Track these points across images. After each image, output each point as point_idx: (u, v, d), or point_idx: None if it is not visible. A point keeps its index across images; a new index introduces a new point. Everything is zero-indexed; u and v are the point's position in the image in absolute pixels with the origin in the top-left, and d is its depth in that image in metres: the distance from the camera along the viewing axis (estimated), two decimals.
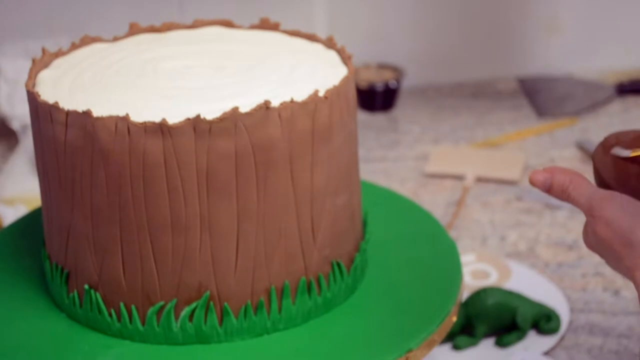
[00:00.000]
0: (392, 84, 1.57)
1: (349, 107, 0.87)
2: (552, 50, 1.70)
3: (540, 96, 1.63)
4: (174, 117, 0.79)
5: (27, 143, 1.42)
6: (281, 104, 0.80)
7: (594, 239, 0.76)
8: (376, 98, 1.57)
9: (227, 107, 0.80)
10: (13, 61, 1.48)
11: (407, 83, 1.62)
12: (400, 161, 1.46)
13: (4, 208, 1.31)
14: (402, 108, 1.61)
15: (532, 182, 0.80)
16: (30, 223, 1.00)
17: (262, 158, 0.80)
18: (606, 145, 0.83)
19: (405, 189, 1.37)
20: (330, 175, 0.85)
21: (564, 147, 1.49)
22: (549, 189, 0.79)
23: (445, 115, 1.59)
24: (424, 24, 1.66)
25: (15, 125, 1.46)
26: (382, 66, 1.61)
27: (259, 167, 0.81)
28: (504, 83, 1.68)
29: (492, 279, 1.17)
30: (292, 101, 0.81)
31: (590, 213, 0.76)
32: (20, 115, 1.46)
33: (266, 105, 0.80)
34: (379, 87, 1.56)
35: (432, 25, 1.67)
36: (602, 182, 0.81)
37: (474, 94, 1.66)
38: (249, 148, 0.80)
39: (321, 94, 0.83)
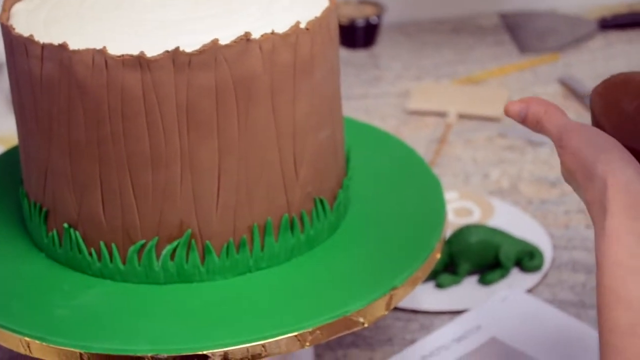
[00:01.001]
0: (373, 19, 1.54)
1: (331, 39, 0.85)
2: None
3: (522, 31, 1.61)
4: (152, 50, 0.76)
5: (2, 82, 1.40)
6: (262, 36, 0.78)
7: (563, 170, 0.75)
8: (357, 34, 1.55)
9: (206, 39, 0.77)
10: None
11: (387, 19, 1.60)
12: (382, 98, 1.45)
13: None
14: (382, 44, 1.59)
15: (507, 113, 0.79)
16: (7, 162, 0.98)
17: (243, 92, 0.79)
18: (607, 84, 0.81)
19: (386, 125, 1.36)
20: (313, 109, 0.83)
21: (546, 83, 1.47)
22: (523, 120, 0.78)
23: (427, 51, 1.57)
24: None
25: None
26: (363, 2, 1.59)
27: (240, 101, 0.79)
28: (485, 18, 1.67)
29: (474, 217, 1.16)
30: (273, 33, 0.79)
31: (559, 144, 0.75)
32: None
33: (247, 37, 0.77)
34: (360, 22, 1.54)
35: None
36: (595, 122, 0.79)
37: (456, 30, 1.64)
38: (229, 81, 0.78)
39: (302, 25, 0.81)
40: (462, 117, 1.39)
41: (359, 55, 1.55)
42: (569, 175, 0.74)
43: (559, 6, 1.68)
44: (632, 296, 0.65)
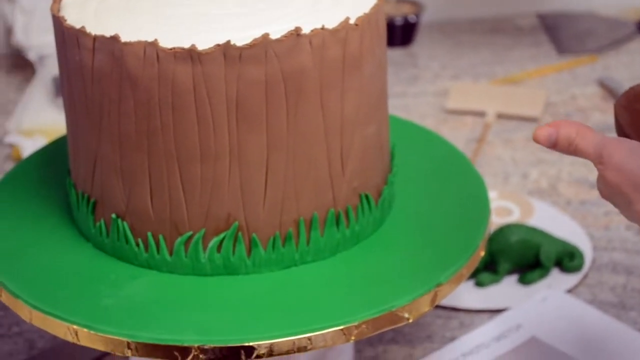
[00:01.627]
0: (412, 18, 1.54)
1: (379, 36, 0.85)
2: None
3: (560, 32, 1.60)
4: (203, 44, 0.77)
5: (43, 74, 1.40)
6: (312, 31, 0.78)
7: (604, 187, 0.75)
8: (395, 32, 1.54)
9: (256, 34, 0.78)
10: None
11: (425, 18, 1.60)
12: (420, 97, 1.44)
13: (23, 140, 1.29)
14: (420, 43, 1.59)
15: (536, 139, 0.78)
16: (52, 153, 0.99)
17: (292, 86, 0.79)
18: (629, 95, 0.81)
19: (425, 124, 1.36)
20: (360, 105, 0.83)
21: (585, 84, 1.47)
22: (554, 144, 0.77)
23: (465, 51, 1.57)
24: None
25: (31, 56, 1.44)
26: (401, 0, 1.59)
27: (289, 95, 0.79)
28: (523, 19, 1.66)
29: (514, 216, 1.16)
30: (323, 28, 0.79)
31: (599, 161, 0.74)
32: (36, 45, 1.44)
33: (297, 32, 0.78)
34: (398, 21, 1.54)
35: None
36: (621, 131, 0.79)
37: (493, 30, 1.63)
38: (279, 76, 0.78)
39: (352, 21, 0.81)
40: (500, 117, 1.38)
41: (397, 54, 1.55)
42: (612, 190, 0.74)
43: (597, 7, 1.67)
44: None
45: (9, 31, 1.49)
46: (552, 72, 1.50)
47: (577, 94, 1.44)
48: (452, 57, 1.55)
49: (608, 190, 0.74)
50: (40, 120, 1.32)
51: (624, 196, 0.72)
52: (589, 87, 1.46)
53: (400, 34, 1.55)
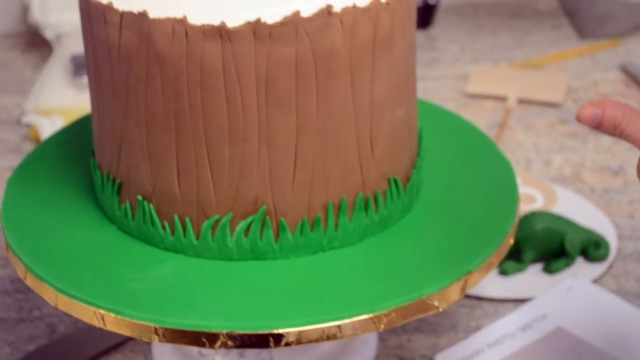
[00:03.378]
0: (431, 0, 1.52)
1: (409, 16, 0.83)
2: None
3: (581, 16, 1.58)
4: (233, 21, 0.75)
5: (61, 53, 1.38)
6: (343, 9, 0.76)
7: None
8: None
9: (286, 11, 0.76)
10: None
11: (444, 0, 1.58)
12: (440, 80, 1.42)
13: (41, 119, 1.28)
14: (439, 26, 1.57)
15: (580, 118, 0.75)
16: (73, 134, 0.97)
17: (322, 66, 0.77)
18: None
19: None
20: (390, 86, 0.82)
21: (606, 69, 1.45)
22: (599, 125, 0.75)
23: (484, 34, 1.55)
24: None
25: (48, 34, 1.42)
26: None
27: (320, 75, 0.77)
28: (543, 2, 1.64)
29: (538, 204, 1.14)
30: (354, 6, 0.77)
31: None
32: (53, 24, 1.42)
33: (328, 10, 0.76)
34: (418, 3, 1.51)
35: None
36: None
37: (513, 13, 1.61)
38: (309, 55, 0.76)
39: (383, 0, 0.79)
40: (522, 102, 1.36)
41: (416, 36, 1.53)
42: None
43: None
44: None
45: (25, 9, 1.47)
46: (573, 56, 1.48)
47: (598, 79, 1.42)
48: (472, 40, 1.53)
49: None
50: (58, 100, 1.30)
51: None
52: (611, 72, 1.44)
53: (420, 16, 1.53)
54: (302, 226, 0.80)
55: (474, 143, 0.98)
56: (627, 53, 1.48)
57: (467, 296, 1.01)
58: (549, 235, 1.06)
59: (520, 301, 1.02)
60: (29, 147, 1.26)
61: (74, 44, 1.37)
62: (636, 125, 0.73)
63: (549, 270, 1.05)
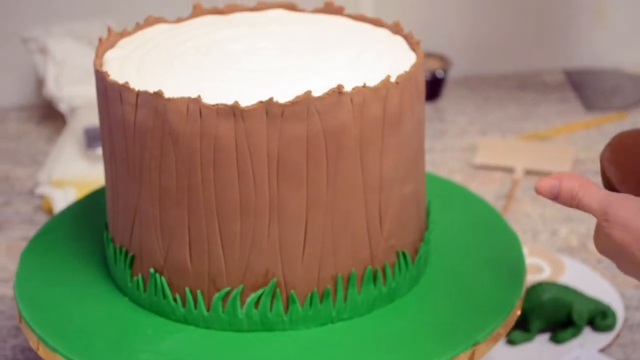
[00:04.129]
0: (439, 73, 1.55)
1: (418, 94, 0.85)
2: (599, 42, 1.68)
3: (587, 89, 1.60)
4: (245, 100, 0.77)
5: (74, 125, 1.41)
6: (353, 89, 0.79)
7: (608, 244, 0.74)
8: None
9: (297, 90, 0.78)
10: (60, 42, 1.46)
11: (452, 73, 1.60)
12: (448, 152, 1.44)
13: (54, 191, 1.30)
14: (447, 98, 1.59)
15: (538, 190, 0.77)
16: (86, 207, 0.99)
17: (333, 143, 0.79)
18: (613, 146, 0.80)
19: (453, 180, 1.35)
20: (399, 163, 0.83)
21: None
22: (556, 196, 0.77)
23: (492, 106, 1.57)
24: (469, 13, 1.64)
25: (62, 107, 1.45)
26: (429, 55, 1.59)
27: (330, 152, 0.79)
28: (550, 75, 1.66)
29: (545, 274, 1.15)
30: (364, 86, 0.79)
31: (604, 217, 0.73)
32: (67, 97, 1.44)
33: (339, 90, 0.78)
34: (426, 76, 1.54)
35: (477, 15, 1.65)
36: (610, 186, 0.79)
37: (520, 86, 1.64)
38: (320, 133, 0.78)
39: (392, 79, 0.81)
40: (529, 173, 1.38)
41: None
42: (617, 249, 0.73)
43: (624, 64, 1.67)
44: None
45: (40, 82, 1.50)
46: (579, 128, 1.50)
47: None
48: (480, 112, 1.55)
49: (612, 247, 0.73)
50: (71, 172, 1.33)
51: (629, 255, 0.71)
52: None
53: (428, 89, 1.55)
54: (311, 298, 0.82)
55: (481, 215, 1.00)
56: (633, 125, 1.50)
57: None
58: (556, 305, 1.06)
59: None
60: (41, 218, 1.28)
61: (87, 117, 1.40)
62: (592, 194, 0.75)
63: (556, 340, 1.06)
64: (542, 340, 1.07)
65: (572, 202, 0.76)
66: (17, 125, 1.53)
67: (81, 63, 1.44)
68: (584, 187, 0.75)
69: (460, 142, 1.47)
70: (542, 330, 1.07)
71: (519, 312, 0.88)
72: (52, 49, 1.45)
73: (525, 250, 1.19)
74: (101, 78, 0.82)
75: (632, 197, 0.73)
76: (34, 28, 1.49)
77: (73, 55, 1.44)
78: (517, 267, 0.92)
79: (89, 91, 1.30)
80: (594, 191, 0.75)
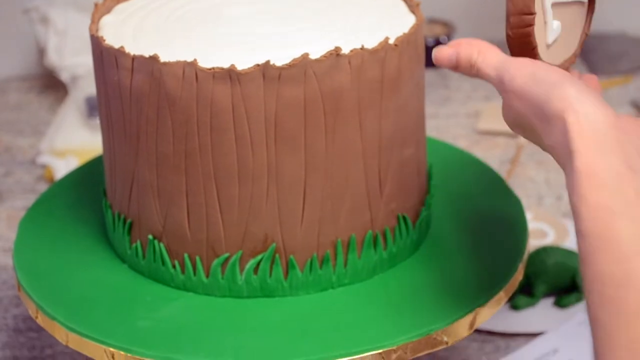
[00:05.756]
0: (443, 39, 1.54)
1: (417, 56, 0.85)
2: (604, 5, 1.66)
3: (592, 53, 1.59)
4: (242, 64, 0.76)
5: (76, 95, 1.40)
6: (351, 51, 0.78)
7: (510, 114, 0.67)
8: (426, 53, 1.53)
9: (295, 54, 0.77)
10: (62, 12, 1.46)
11: (456, 38, 1.59)
12: (452, 118, 1.43)
13: (55, 160, 1.29)
14: None
15: (436, 60, 0.71)
16: (86, 174, 0.99)
17: (330, 106, 0.78)
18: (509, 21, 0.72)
19: (457, 146, 1.35)
20: (398, 126, 0.83)
21: (618, 105, 1.45)
22: (456, 66, 0.71)
23: None
24: None
25: (64, 76, 1.44)
26: (433, 21, 1.58)
27: (328, 116, 0.78)
28: None
29: (549, 239, 1.15)
30: (362, 48, 0.78)
31: (501, 87, 0.67)
32: (69, 66, 1.44)
33: (336, 52, 0.77)
34: (430, 42, 1.53)
35: None
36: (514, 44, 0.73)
37: None
38: (318, 96, 0.77)
39: (391, 41, 0.80)
40: None
41: (428, 75, 1.54)
42: (518, 120, 0.67)
43: (629, 28, 1.66)
44: (622, 240, 0.57)
45: (41, 52, 1.49)
46: None
47: None
48: None
49: (514, 118, 0.67)
50: (72, 141, 1.32)
51: (532, 125, 0.65)
52: (623, 108, 1.45)
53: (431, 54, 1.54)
54: (311, 263, 0.81)
55: (484, 180, 0.99)
56: (639, 89, 1.49)
57: (478, 331, 1.02)
58: (560, 269, 1.06)
59: (532, 335, 1.02)
60: (43, 188, 1.28)
61: (89, 86, 1.39)
62: (491, 59, 0.68)
63: (560, 304, 1.06)
64: (546, 305, 1.06)
65: (471, 70, 0.70)
66: (19, 95, 1.52)
67: (82, 32, 1.43)
68: (482, 53, 0.69)
69: (465, 108, 1.46)
70: (546, 295, 1.07)
71: (521, 277, 0.88)
72: (53, 19, 1.45)
73: (530, 215, 1.18)
74: (97, 43, 0.81)
75: (529, 60, 0.67)
76: None
77: (74, 25, 1.43)
78: (520, 232, 0.91)
79: (90, 60, 1.29)
80: (492, 56, 0.68)
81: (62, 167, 1.27)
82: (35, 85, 1.54)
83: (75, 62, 1.42)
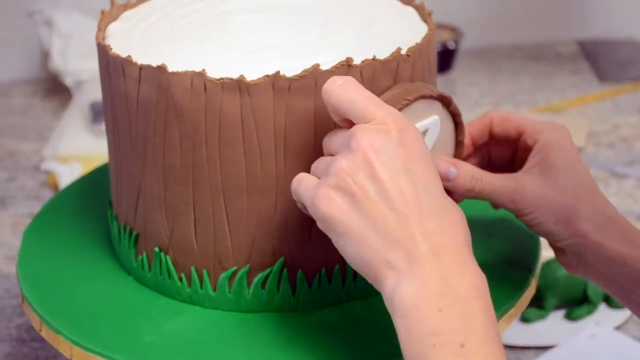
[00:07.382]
0: (450, 44, 1.52)
1: (430, 66, 0.83)
2: (613, 12, 1.65)
3: (601, 60, 1.58)
4: (251, 74, 0.75)
5: (80, 100, 1.39)
6: (363, 62, 0.76)
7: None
8: None
9: (305, 64, 0.75)
10: (66, 15, 1.44)
11: (463, 44, 1.58)
12: None
13: (59, 166, 1.28)
14: (459, 70, 1.57)
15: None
16: (91, 183, 0.97)
17: None
18: None
19: None
20: None
21: (627, 113, 1.44)
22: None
23: (504, 78, 1.55)
24: None
25: (68, 81, 1.43)
26: (440, 26, 1.56)
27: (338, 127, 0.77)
28: (563, 46, 1.64)
29: None
30: (374, 59, 0.77)
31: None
32: (73, 70, 1.43)
33: (348, 63, 0.75)
34: (437, 47, 1.51)
35: None
36: None
37: (533, 57, 1.61)
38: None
39: (403, 52, 0.79)
40: None
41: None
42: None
43: (638, 35, 1.65)
44: None
45: (45, 56, 1.48)
46: (593, 100, 1.48)
47: (619, 122, 1.42)
48: (492, 84, 1.53)
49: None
50: (76, 147, 1.31)
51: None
52: (632, 115, 1.43)
53: (439, 60, 1.52)
54: (319, 278, 0.80)
55: None
56: None
57: None
58: (571, 282, 1.05)
59: (543, 348, 1.01)
60: (47, 194, 1.26)
61: (93, 91, 1.38)
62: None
63: (571, 317, 1.04)
64: (556, 318, 1.05)
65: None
66: (23, 99, 1.51)
67: (87, 36, 1.42)
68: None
69: (472, 114, 1.44)
70: (557, 307, 1.05)
71: (533, 292, 0.86)
72: (57, 22, 1.43)
73: None
74: (103, 51, 0.79)
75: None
76: (39, 0, 1.47)
77: (79, 29, 1.42)
78: (532, 246, 0.89)
79: (94, 65, 1.28)
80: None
81: (66, 174, 1.26)
82: (39, 89, 1.53)
83: (79, 66, 1.41)
